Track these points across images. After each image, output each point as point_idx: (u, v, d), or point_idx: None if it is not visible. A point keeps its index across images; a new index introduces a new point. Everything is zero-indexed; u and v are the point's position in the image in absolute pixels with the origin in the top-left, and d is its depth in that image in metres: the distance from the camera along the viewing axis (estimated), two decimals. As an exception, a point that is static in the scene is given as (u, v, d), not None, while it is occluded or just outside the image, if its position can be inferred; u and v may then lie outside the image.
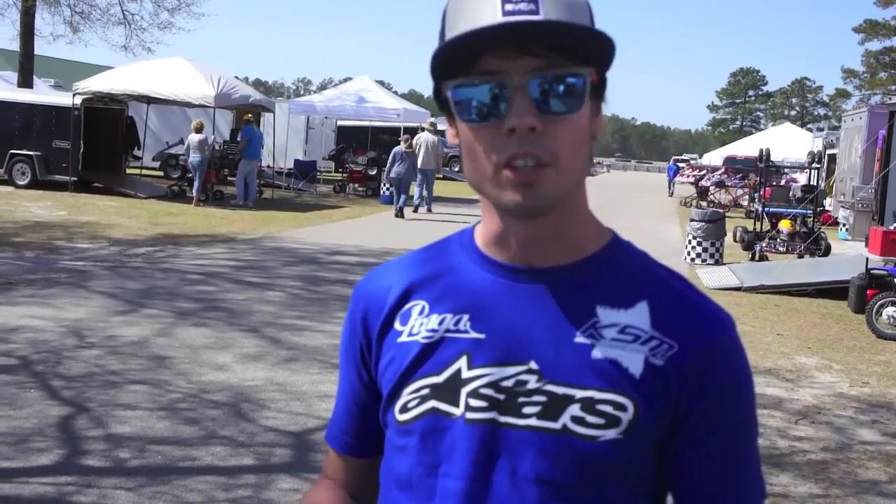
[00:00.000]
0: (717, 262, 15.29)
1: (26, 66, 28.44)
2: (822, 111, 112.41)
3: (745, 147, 39.30)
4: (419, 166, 21.00)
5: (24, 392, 5.92)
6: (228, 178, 23.10)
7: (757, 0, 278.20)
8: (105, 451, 5.01)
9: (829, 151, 26.03)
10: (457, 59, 1.10)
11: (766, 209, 18.10)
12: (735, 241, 18.14)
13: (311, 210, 20.82)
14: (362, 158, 27.46)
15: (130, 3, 29.41)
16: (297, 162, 27.54)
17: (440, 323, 1.21)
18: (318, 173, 27.80)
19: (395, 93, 42.11)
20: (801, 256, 16.22)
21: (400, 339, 1.24)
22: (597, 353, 1.15)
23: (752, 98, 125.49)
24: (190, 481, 4.67)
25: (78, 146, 20.46)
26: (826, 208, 22.64)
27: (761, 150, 18.42)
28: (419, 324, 1.23)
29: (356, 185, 26.53)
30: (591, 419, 1.13)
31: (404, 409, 1.21)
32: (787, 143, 34.86)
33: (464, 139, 1.15)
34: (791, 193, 18.92)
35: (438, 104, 1.17)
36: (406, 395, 1.21)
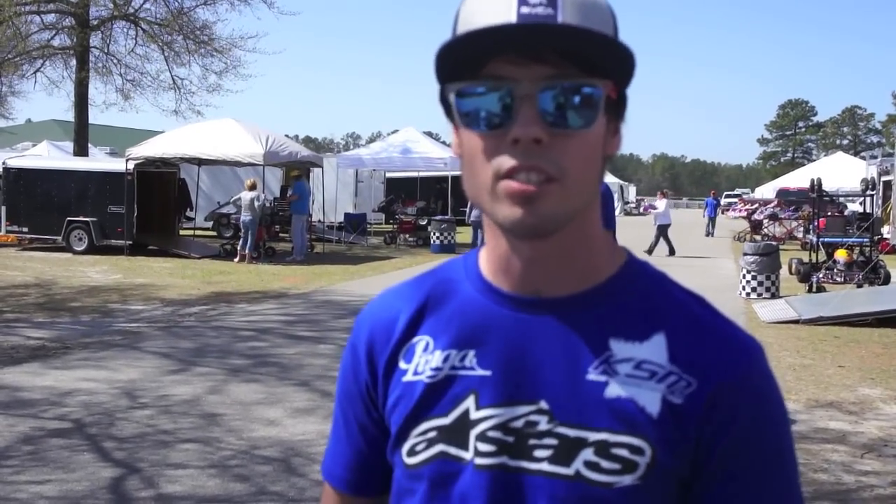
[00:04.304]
0: (774, 296, 15.02)
1: (81, 135, 29.23)
2: (875, 139, 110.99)
3: (798, 179, 38.92)
4: None
5: (77, 455, 5.94)
6: (280, 235, 23.32)
7: (802, 31, 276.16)
8: (156, 511, 5.00)
9: (884, 178, 25.60)
10: (463, 61, 1.02)
11: (821, 239, 17.78)
12: (791, 273, 17.86)
13: (362, 262, 20.91)
14: (412, 209, 27.67)
15: (179, 68, 30.04)
16: (347, 215, 27.77)
17: (445, 360, 1.14)
18: (369, 225, 28.01)
19: (444, 143, 42.34)
20: (859, 286, 15.85)
21: (405, 378, 1.16)
22: (610, 392, 1.07)
23: (803, 129, 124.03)
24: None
25: (132, 210, 20.82)
26: (884, 236, 22.18)
27: (813, 181, 18.18)
28: (423, 361, 1.16)
29: (406, 236, 26.68)
30: (605, 464, 1.06)
31: (412, 453, 1.15)
32: (841, 172, 34.40)
33: (466, 148, 1.07)
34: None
35: (444, 109, 1.10)
36: (413, 437, 1.15)
